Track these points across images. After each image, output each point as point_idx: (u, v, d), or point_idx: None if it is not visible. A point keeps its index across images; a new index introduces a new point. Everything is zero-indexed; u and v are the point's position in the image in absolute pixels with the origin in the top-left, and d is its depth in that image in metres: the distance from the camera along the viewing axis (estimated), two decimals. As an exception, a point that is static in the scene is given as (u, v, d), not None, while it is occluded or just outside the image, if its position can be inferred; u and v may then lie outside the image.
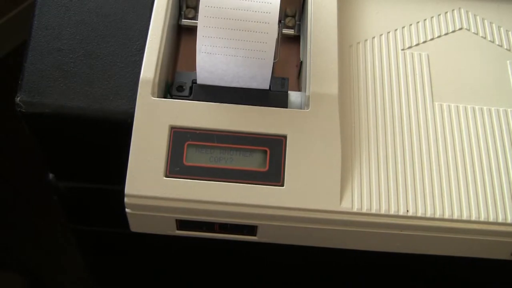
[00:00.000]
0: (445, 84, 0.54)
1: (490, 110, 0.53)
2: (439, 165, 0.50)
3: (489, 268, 0.60)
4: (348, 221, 0.48)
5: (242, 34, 0.49)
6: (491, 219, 0.48)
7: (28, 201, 1.12)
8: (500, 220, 0.48)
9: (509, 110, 0.53)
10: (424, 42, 0.57)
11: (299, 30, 0.58)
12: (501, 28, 0.58)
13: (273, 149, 0.49)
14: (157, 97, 0.50)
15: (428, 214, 0.48)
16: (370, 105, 0.52)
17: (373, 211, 0.48)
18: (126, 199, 0.48)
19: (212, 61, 0.50)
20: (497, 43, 0.57)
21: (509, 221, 0.48)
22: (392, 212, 0.48)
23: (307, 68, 0.52)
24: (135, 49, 0.54)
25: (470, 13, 0.59)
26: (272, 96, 0.52)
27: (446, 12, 0.59)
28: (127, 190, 0.47)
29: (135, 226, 0.52)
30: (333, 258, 0.62)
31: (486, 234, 0.49)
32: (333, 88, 0.51)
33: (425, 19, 0.58)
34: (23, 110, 0.51)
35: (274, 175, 0.48)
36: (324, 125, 0.50)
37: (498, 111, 0.53)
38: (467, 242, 0.50)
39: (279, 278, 0.74)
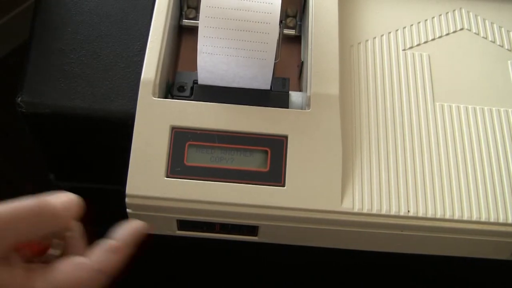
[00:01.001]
0: (446, 84, 0.54)
1: (491, 110, 0.53)
2: (440, 165, 0.50)
3: (489, 268, 0.60)
4: (349, 221, 0.48)
5: (243, 34, 0.49)
6: (491, 219, 0.48)
7: (28, 201, 1.12)
8: (500, 220, 0.48)
9: (510, 110, 0.53)
10: (425, 42, 0.57)
11: (300, 31, 0.58)
12: (502, 29, 0.58)
13: (274, 149, 0.49)
14: (158, 97, 0.50)
15: (429, 215, 0.48)
16: (371, 105, 0.52)
17: (374, 211, 0.48)
18: (127, 199, 0.48)
19: (213, 61, 0.50)
20: (498, 43, 0.57)
21: (509, 221, 0.48)
22: (392, 212, 0.48)
23: (308, 69, 0.52)
24: (136, 50, 0.54)
25: (471, 13, 0.59)
26: (273, 96, 0.52)
27: (447, 12, 0.59)
28: (128, 190, 0.47)
29: (136, 226, 0.52)
30: (333, 258, 0.62)
31: (486, 234, 0.49)
32: (334, 88, 0.51)
33: (426, 19, 0.58)
34: (24, 110, 0.51)
35: (275, 175, 0.48)
36: (325, 125, 0.50)
37: (499, 111, 0.53)
38: (468, 243, 0.50)
39: (279, 278, 0.74)
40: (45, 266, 0.38)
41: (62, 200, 0.39)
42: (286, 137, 0.49)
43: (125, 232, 0.41)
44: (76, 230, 0.41)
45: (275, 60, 0.50)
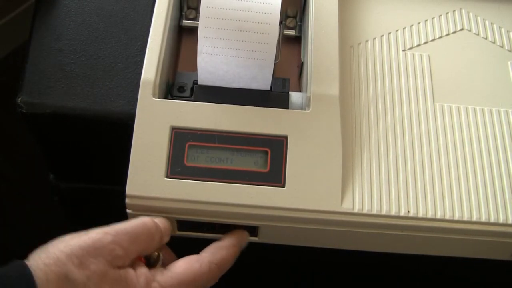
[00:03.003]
0: (446, 85, 0.54)
1: (491, 111, 0.53)
2: (440, 165, 0.50)
3: (489, 268, 0.60)
4: (349, 222, 0.48)
5: (243, 35, 0.49)
6: (491, 220, 0.48)
7: (28, 201, 1.12)
8: (500, 221, 0.48)
9: (509, 110, 0.53)
10: (425, 42, 0.57)
11: (300, 31, 0.58)
12: (502, 29, 0.58)
13: (274, 149, 0.49)
14: (158, 98, 0.50)
15: (429, 215, 0.48)
16: (371, 106, 0.52)
17: (374, 211, 0.48)
18: (127, 200, 0.48)
19: (213, 61, 0.50)
20: (498, 44, 0.57)
21: (509, 221, 0.48)
22: (393, 212, 0.48)
23: (308, 69, 0.52)
24: (136, 50, 0.54)
25: (471, 13, 0.59)
26: (273, 96, 0.52)
27: (447, 13, 0.59)
28: (128, 190, 0.47)
29: (136, 227, 0.52)
30: (333, 259, 0.62)
31: (486, 235, 0.49)
32: (334, 88, 0.51)
33: (426, 20, 0.58)
34: (24, 111, 0.51)
35: (275, 175, 0.48)
36: (325, 126, 0.50)
37: (499, 111, 0.53)
38: (468, 243, 0.50)
39: (279, 278, 0.74)
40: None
41: (162, 221, 0.47)
42: (286, 137, 0.49)
43: (233, 234, 0.49)
44: (169, 250, 0.49)
45: (275, 60, 0.50)
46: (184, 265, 0.45)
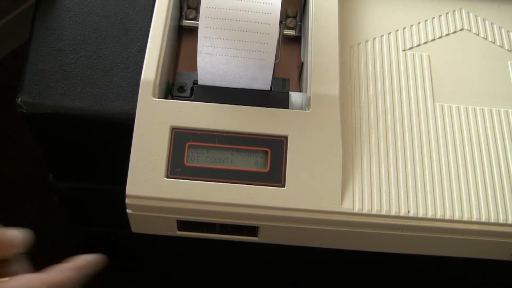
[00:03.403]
0: (446, 85, 0.54)
1: (491, 111, 0.53)
2: (440, 165, 0.50)
3: (489, 268, 0.60)
4: (349, 222, 0.48)
5: (243, 35, 0.49)
6: (491, 220, 0.48)
7: (28, 201, 1.12)
8: (500, 221, 0.48)
9: (509, 110, 0.53)
10: (425, 42, 0.57)
11: (300, 31, 0.58)
12: (502, 29, 0.58)
13: (274, 149, 0.49)
14: (158, 98, 0.50)
15: (429, 215, 0.48)
16: (371, 106, 0.52)
17: (374, 211, 0.48)
18: (127, 200, 0.48)
19: (213, 61, 0.50)
20: (498, 43, 0.57)
21: (509, 221, 0.48)
22: (393, 213, 0.48)
23: (308, 69, 0.52)
24: (136, 50, 0.54)
25: (471, 13, 0.59)
26: (273, 96, 0.52)
27: (447, 13, 0.59)
28: (128, 190, 0.47)
29: (136, 227, 0.52)
30: (333, 258, 0.62)
31: (486, 235, 0.49)
32: (334, 88, 0.51)
33: (426, 20, 0.58)
34: (24, 111, 0.51)
35: (275, 175, 0.48)
36: (325, 126, 0.50)
37: (499, 111, 0.53)
38: (468, 243, 0.50)
39: (279, 278, 0.74)
40: None
41: (11, 232, 0.42)
42: (286, 137, 0.49)
43: (81, 258, 0.44)
44: (23, 263, 0.43)
45: (275, 60, 0.50)
46: (21, 281, 0.41)
